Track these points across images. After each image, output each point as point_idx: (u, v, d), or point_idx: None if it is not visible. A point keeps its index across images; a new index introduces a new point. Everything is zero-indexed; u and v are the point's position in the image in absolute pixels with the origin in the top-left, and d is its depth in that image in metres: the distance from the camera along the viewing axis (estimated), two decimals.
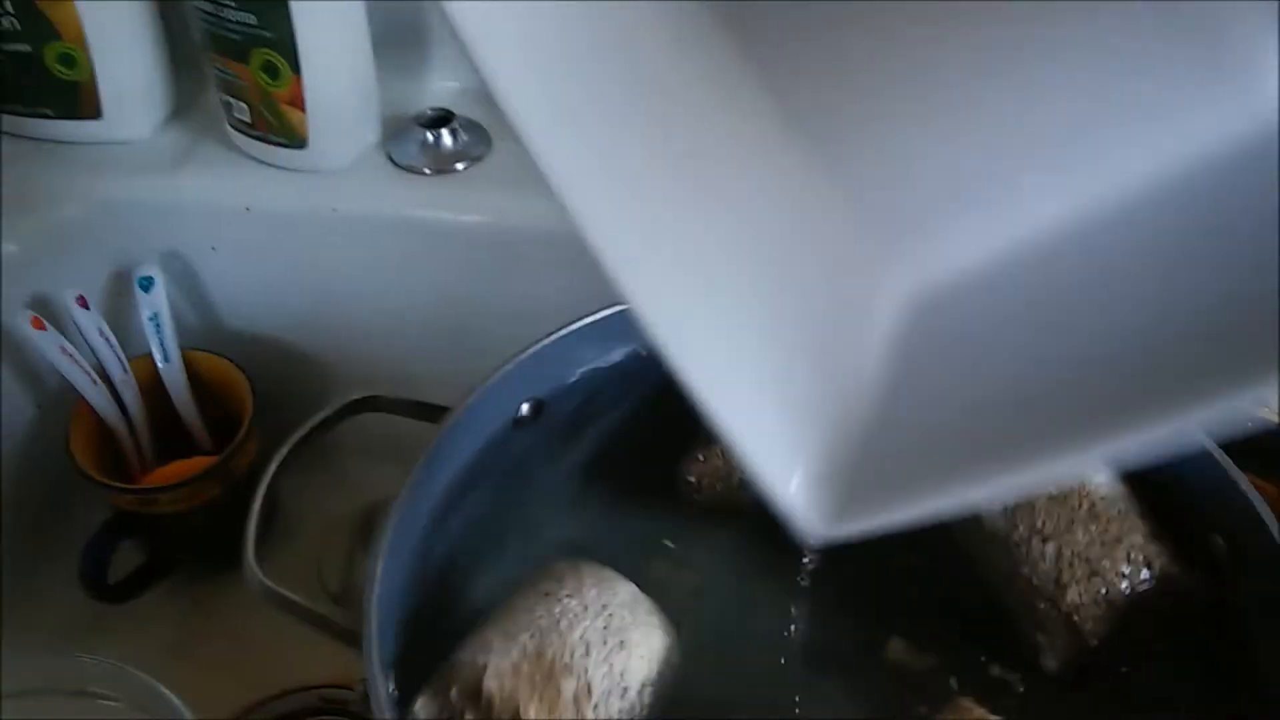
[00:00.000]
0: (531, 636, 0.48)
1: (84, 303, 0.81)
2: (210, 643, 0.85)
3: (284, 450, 0.55)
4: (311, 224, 0.83)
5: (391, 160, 0.84)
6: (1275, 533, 0.51)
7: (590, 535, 0.58)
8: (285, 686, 0.82)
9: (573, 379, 0.60)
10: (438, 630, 0.52)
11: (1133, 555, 0.52)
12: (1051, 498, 0.53)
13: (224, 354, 0.86)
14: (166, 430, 0.86)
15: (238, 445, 0.81)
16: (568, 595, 0.50)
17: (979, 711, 0.49)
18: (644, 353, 0.61)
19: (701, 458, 0.58)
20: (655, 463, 0.60)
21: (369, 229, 0.84)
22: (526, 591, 0.51)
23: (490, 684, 0.46)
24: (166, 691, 0.67)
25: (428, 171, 0.85)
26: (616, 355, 0.60)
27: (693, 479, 0.58)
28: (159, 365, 0.84)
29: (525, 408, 0.59)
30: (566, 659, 0.47)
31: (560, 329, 0.58)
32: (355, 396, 0.56)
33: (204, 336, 0.89)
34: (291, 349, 0.90)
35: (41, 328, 0.79)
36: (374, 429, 0.77)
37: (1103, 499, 0.53)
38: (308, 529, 0.91)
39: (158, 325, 0.84)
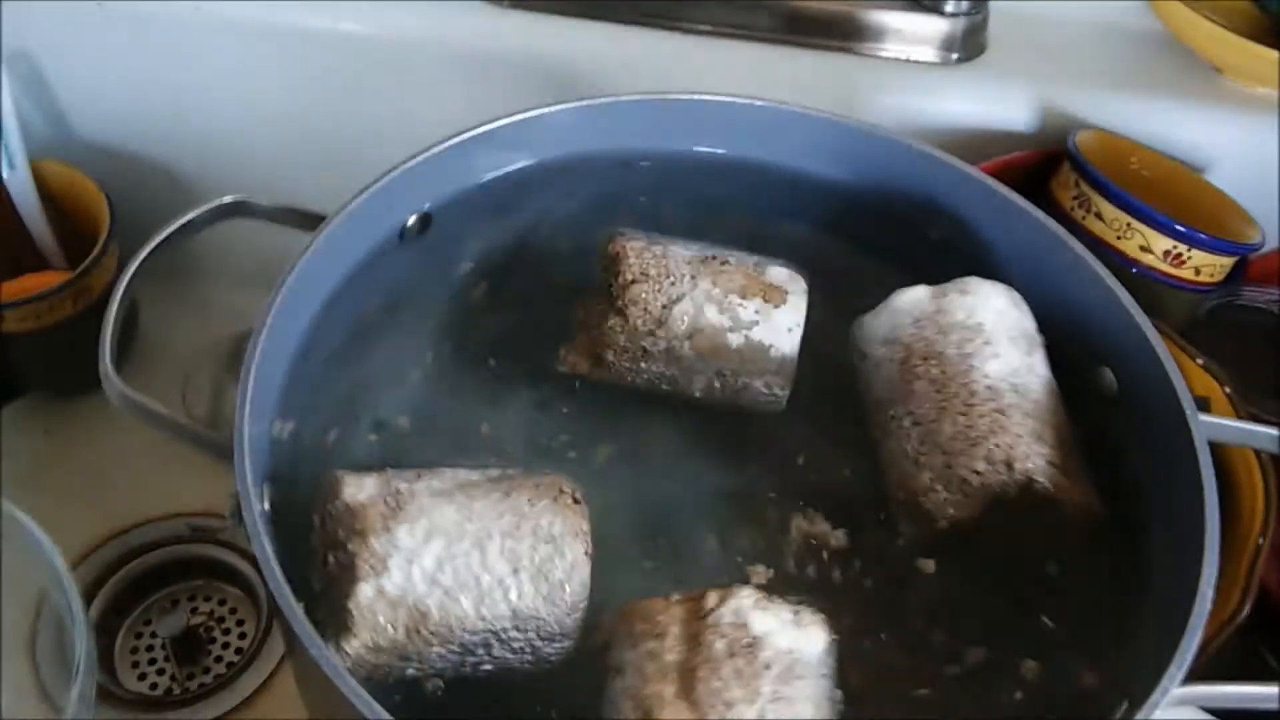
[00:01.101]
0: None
1: None
2: (67, 469, 0.81)
3: (143, 253, 0.51)
4: (172, 23, 0.77)
5: None
6: (1167, 367, 0.51)
7: (473, 376, 0.56)
8: (147, 515, 0.78)
9: (463, 191, 0.57)
10: (309, 452, 0.49)
11: (993, 455, 0.50)
12: (931, 380, 0.52)
13: (78, 165, 0.80)
14: (15, 245, 0.80)
15: (93, 261, 0.76)
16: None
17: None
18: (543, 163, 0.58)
19: (563, 352, 0.55)
20: (550, 292, 0.58)
21: (236, 32, 0.78)
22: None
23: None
24: (24, 516, 0.63)
25: None
26: (512, 166, 0.57)
27: (564, 369, 0.55)
28: (2, 174, 0.77)
29: (412, 220, 0.55)
30: None
31: (452, 136, 0.54)
32: (225, 200, 0.52)
33: (56, 146, 0.82)
34: (153, 162, 0.84)
35: None
36: (244, 251, 0.73)
37: (986, 390, 0.51)
38: (172, 355, 0.87)
39: (0, 130, 0.76)
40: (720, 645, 0.44)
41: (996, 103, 0.78)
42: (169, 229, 0.51)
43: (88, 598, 0.75)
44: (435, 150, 0.53)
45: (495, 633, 0.46)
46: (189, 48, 0.79)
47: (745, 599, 0.45)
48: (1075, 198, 0.73)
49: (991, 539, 0.50)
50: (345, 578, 0.45)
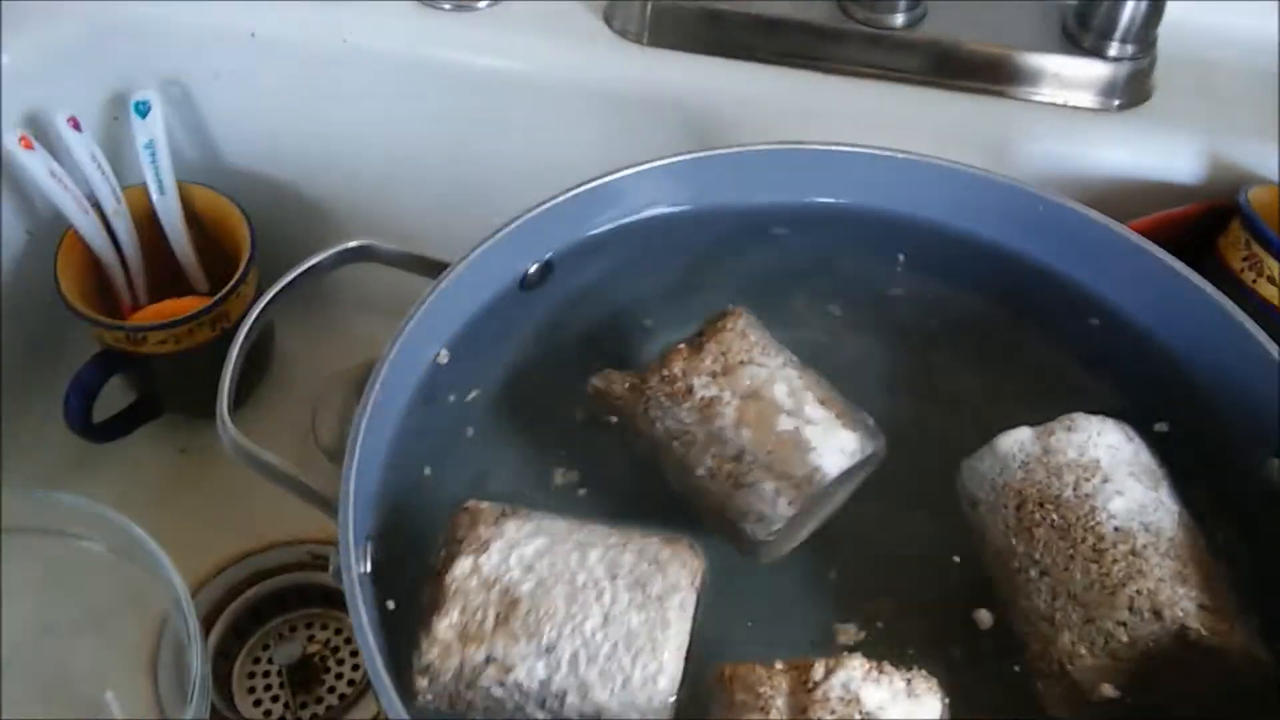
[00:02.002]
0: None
1: (76, 124, 0.76)
2: (198, 490, 0.83)
3: (270, 293, 0.51)
4: (319, 54, 0.78)
5: None
6: None
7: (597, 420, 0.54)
8: (273, 539, 0.79)
9: (586, 240, 0.55)
10: (422, 504, 0.49)
11: (1136, 603, 0.46)
12: (1053, 526, 0.48)
13: (223, 191, 0.81)
14: (160, 267, 0.82)
15: (233, 287, 0.77)
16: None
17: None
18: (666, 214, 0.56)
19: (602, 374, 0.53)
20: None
21: (382, 65, 0.78)
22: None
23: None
24: (147, 537, 0.64)
25: (448, 6, 0.78)
26: (635, 217, 0.55)
27: (596, 384, 0.53)
28: (153, 197, 0.79)
29: (533, 269, 0.54)
30: None
31: (577, 186, 0.53)
32: (351, 244, 0.51)
33: (203, 171, 0.84)
34: (295, 191, 0.85)
35: (30, 148, 0.74)
36: (380, 283, 0.73)
37: (1115, 531, 0.47)
38: (305, 381, 0.88)
39: (153, 154, 0.79)
40: None
41: (1160, 153, 0.74)
42: (294, 273, 0.51)
43: (212, 619, 0.76)
44: (556, 201, 0.52)
45: (584, 638, 0.45)
46: (335, 80, 0.80)
47: (855, 669, 0.43)
48: (1245, 258, 0.68)
49: (1146, 700, 0.46)
50: (447, 564, 0.46)
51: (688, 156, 0.55)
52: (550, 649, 0.45)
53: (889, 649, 0.46)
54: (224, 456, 0.82)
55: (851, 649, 0.46)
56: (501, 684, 0.45)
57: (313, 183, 0.85)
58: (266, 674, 0.75)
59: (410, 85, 0.79)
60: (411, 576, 0.47)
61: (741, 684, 0.43)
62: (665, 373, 0.50)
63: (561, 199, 0.52)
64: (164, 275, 0.82)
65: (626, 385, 0.51)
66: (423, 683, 0.45)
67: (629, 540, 0.47)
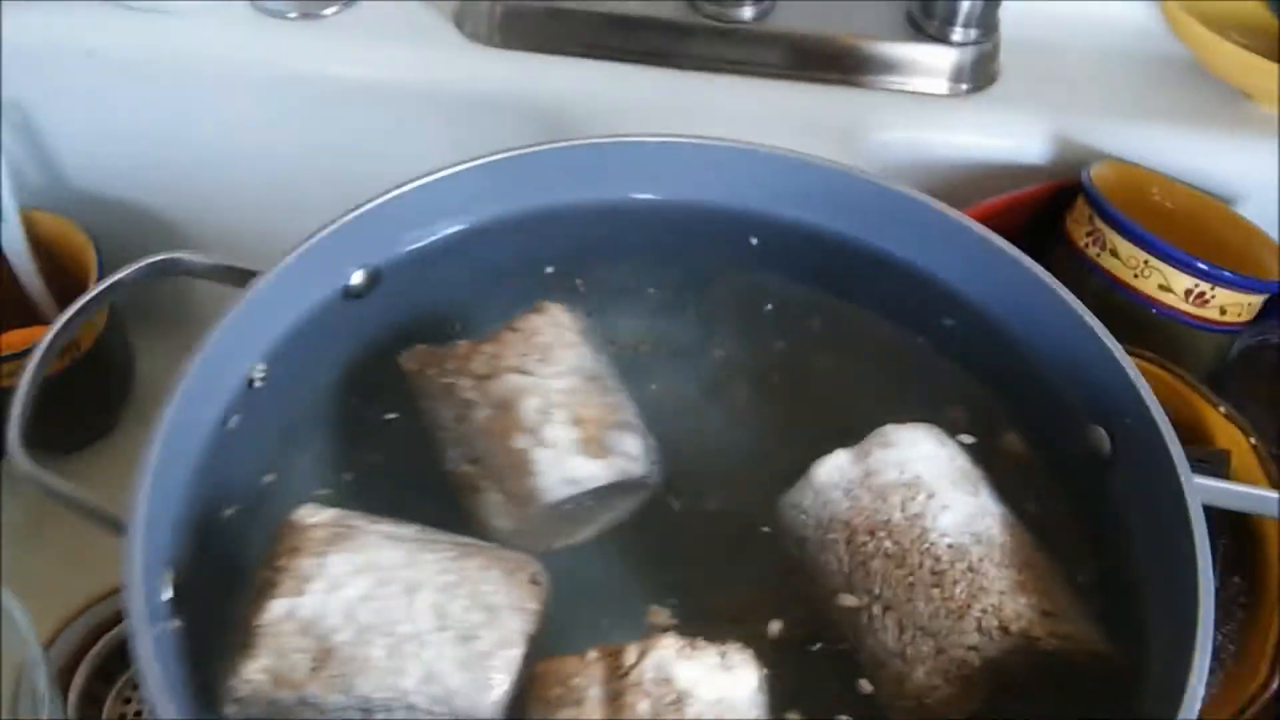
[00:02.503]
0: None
1: None
2: (59, 527, 0.79)
3: (67, 314, 0.49)
4: (160, 71, 0.76)
5: None
6: (1161, 424, 0.46)
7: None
8: None
9: (417, 248, 0.54)
10: (237, 523, 0.47)
11: (984, 623, 0.44)
12: (887, 555, 0.46)
13: (69, 215, 0.79)
14: (6, 297, 0.79)
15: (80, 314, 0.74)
16: None
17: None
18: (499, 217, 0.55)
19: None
20: None
21: (228, 79, 0.77)
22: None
23: None
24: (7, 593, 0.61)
25: (293, 15, 0.77)
26: (465, 223, 0.54)
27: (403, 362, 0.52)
28: None
29: (358, 276, 0.53)
30: None
31: (402, 185, 0.52)
32: (156, 258, 0.50)
33: (47, 195, 0.81)
34: (146, 211, 0.83)
35: None
36: None
37: (949, 549, 0.46)
38: None
39: None
40: (644, 706, 0.41)
41: (1008, 134, 0.74)
42: (94, 291, 0.49)
43: (77, 660, 0.73)
44: (373, 205, 0.51)
45: (401, 694, 0.43)
46: (180, 96, 0.78)
47: (668, 649, 0.42)
48: (1090, 234, 0.69)
49: (1001, 703, 0.45)
50: (263, 595, 0.43)
51: (508, 154, 0.54)
52: (366, 701, 0.43)
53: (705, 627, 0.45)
54: (85, 491, 0.81)
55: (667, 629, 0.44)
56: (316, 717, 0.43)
57: (164, 202, 0.83)
58: (139, 714, 0.72)
59: (260, 98, 0.78)
60: (223, 601, 0.45)
61: (555, 678, 0.42)
62: (446, 366, 0.49)
63: (378, 202, 0.51)
64: (10, 305, 0.79)
65: (418, 367, 0.51)
66: (232, 709, 0.43)
67: (465, 575, 0.45)
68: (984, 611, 0.45)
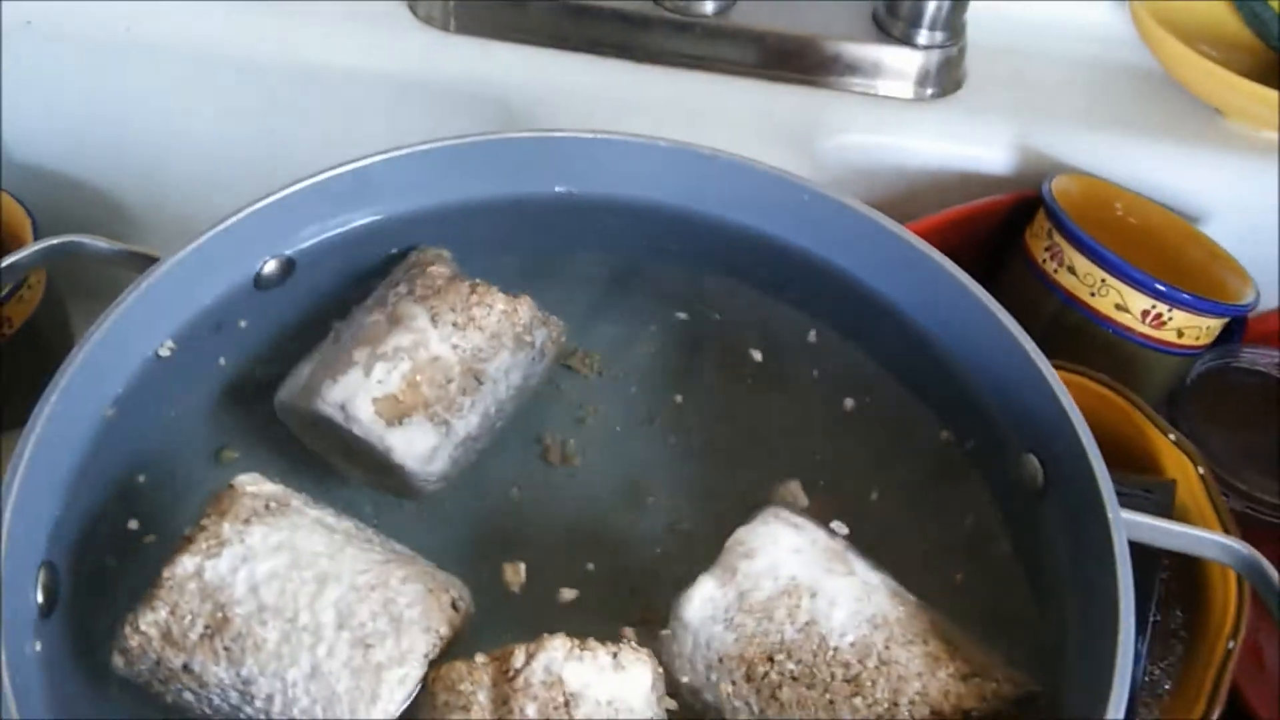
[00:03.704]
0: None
1: None
2: None
3: None
4: (102, 44, 0.73)
5: None
6: (1092, 454, 0.44)
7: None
8: None
9: (333, 237, 0.52)
10: (119, 527, 0.45)
11: (915, 713, 0.41)
12: (794, 679, 0.42)
13: (7, 188, 0.77)
14: None
15: (11, 291, 0.72)
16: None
17: None
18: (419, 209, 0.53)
19: None
20: None
21: (168, 55, 0.74)
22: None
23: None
24: None
25: None
26: (388, 211, 0.52)
27: None
28: None
29: (270, 265, 0.51)
30: None
31: (313, 175, 0.50)
32: (54, 241, 0.48)
33: None
34: (89, 189, 0.81)
35: None
36: None
37: (853, 648, 0.42)
38: None
39: None
40: (532, 710, 0.39)
41: (972, 142, 0.72)
42: None
43: None
44: (284, 193, 0.49)
45: (284, 685, 0.41)
46: (119, 70, 0.75)
47: (556, 651, 0.40)
48: (1048, 248, 0.67)
49: None
50: (178, 550, 0.43)
51: (439, 144, 0.52)
52: (249, 682, 0.41)
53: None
54: None
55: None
56: (194, 693, 0.42)
57: (108, 180, 0.81)
58: None
59: (208, 79, 0.76)
60: (101, 613, 0.43)
61: (444, 684, 0.41)
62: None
63: (293, 189, 0.49)
64: None
65: None
66: (119, 660, 0.42)
67: (383, 581, 0.43)
68: (912, 703, 0.42)
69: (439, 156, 0.51)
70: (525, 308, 0.50)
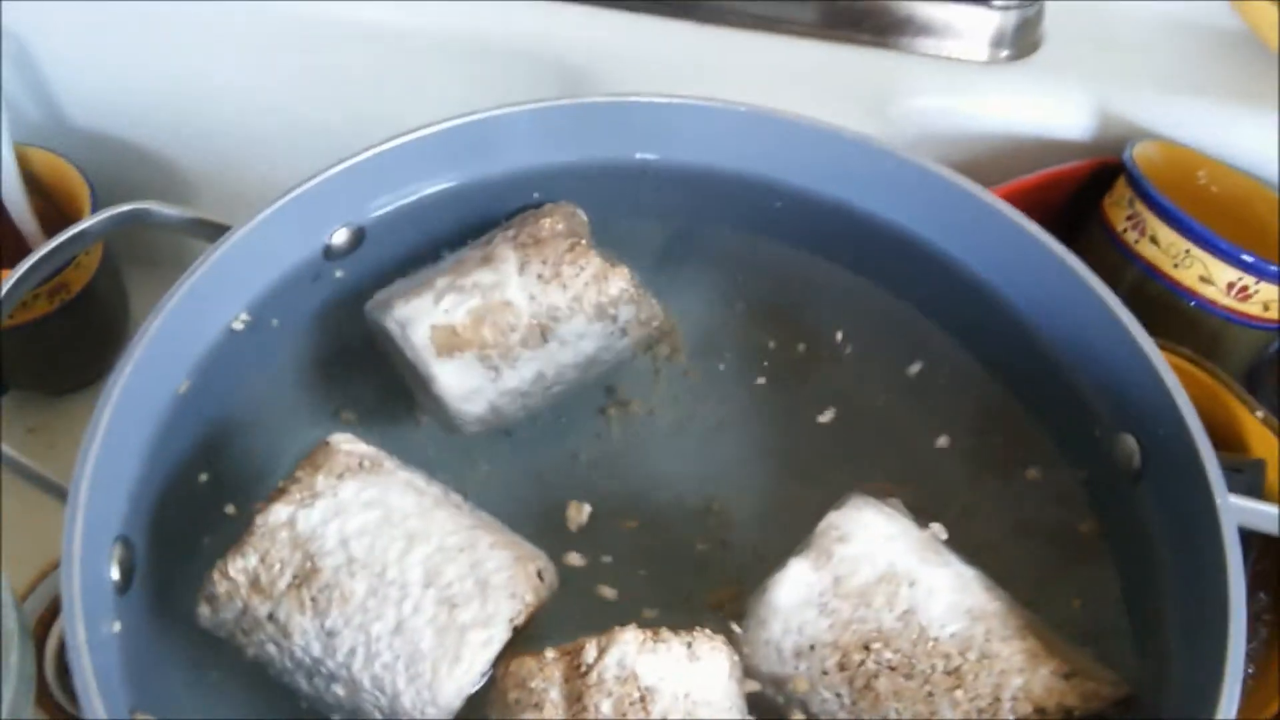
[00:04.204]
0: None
1: None
2: (52, 469, 0.76)
3: (27, 264, 0.46)
4: (165, 9, 0.72)
5: None
6: (1198, 438, 0.42)
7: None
8: None
9: (404, 206, 0.51)
10: (197, 499, 0.44)
11: (1018, 710, 0.40)
12: (892, 669, 0.40)
13: (67, 154, 0.76)
14: None
15: (71, 258, 0.72)
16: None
17: None
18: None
19: None
20: None
21: (231, 21, 0.73)
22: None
23: None
24: None
25: None
26: (457, 178, 0.51)
27: None
28: None
29: (341, 235, 0.50)
30: None
31: (386, 141, 0.49)
32: (124, 208, 0.47)
33: (42, 132, 0.78)
34: (145, 154, 0.80)
35: None
36: None
37: (953, 639, 0.41)
38: None
39: None
40: (607, 706, 0.38)
41: (1049, 106, 0.70)
42: (55, 241, 0.46)
43: (52, 615, 0.71)
44: (354, 161, 0.48)
45: (368, 638, 0.41)
46: (182, 36, 0.74)
47: (628, 644, 0.39)
48: (1129, 218, 0.64)
49: None
50: (272, 499, 0.43)
51: (521, 108, 0.51)
52: (332, 634, 0.41)
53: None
54: (74, 435, 0.79)
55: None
56: (277, 645, 0.42)
57: (164, 145, 0.80)
58: None
59: (267, 41, 0.74)
60: (180, 578, 0.42)
61: (514, 680, 0.40)
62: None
63: (362, 157, 0.48)
64: (6, 243, 0.77)
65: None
66: (204, 610, 0.43)
67: (472, 545, 0.43)
68: (1015, 699, 0.40)
69: (525, 120, 0.50)
70: (619, 279, 0.48)
